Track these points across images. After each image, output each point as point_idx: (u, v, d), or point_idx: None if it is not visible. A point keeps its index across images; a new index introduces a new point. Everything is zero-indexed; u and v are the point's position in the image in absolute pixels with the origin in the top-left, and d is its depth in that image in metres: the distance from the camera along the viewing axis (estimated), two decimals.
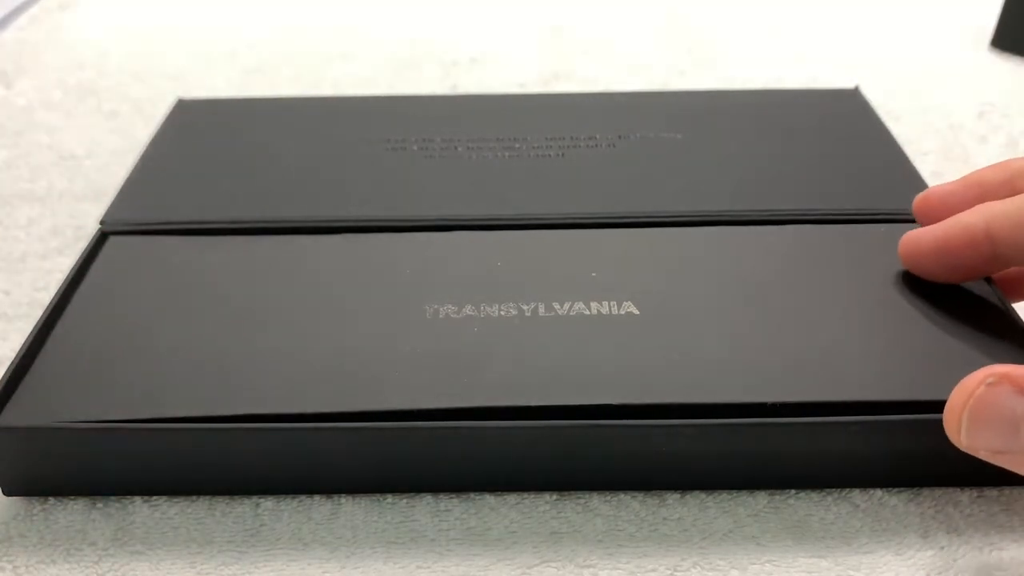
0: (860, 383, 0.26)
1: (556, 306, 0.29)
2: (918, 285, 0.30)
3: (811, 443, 0.26)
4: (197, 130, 0.40)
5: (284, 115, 0.41)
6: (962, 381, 0.23)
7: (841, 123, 0.40)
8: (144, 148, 0.39)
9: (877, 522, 0.27)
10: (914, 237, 0.30)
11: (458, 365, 0.27)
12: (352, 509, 0.27)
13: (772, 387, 0.26)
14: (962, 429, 0.23)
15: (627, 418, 0.25)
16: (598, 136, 0.39)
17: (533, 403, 0.26)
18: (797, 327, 0.28)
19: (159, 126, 0.40)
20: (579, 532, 0.26)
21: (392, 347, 0.28)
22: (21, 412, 0.26)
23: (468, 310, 0.29)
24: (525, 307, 0.29)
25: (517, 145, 0.38)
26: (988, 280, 0.30)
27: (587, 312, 0.29)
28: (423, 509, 0.27)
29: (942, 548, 0.26)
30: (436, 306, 0.29)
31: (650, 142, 0.38)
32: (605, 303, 0.29)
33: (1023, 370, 0.22)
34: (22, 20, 0.62)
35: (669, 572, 0.25)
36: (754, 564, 0.26)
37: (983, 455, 0.23)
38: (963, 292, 0.30)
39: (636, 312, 0.29)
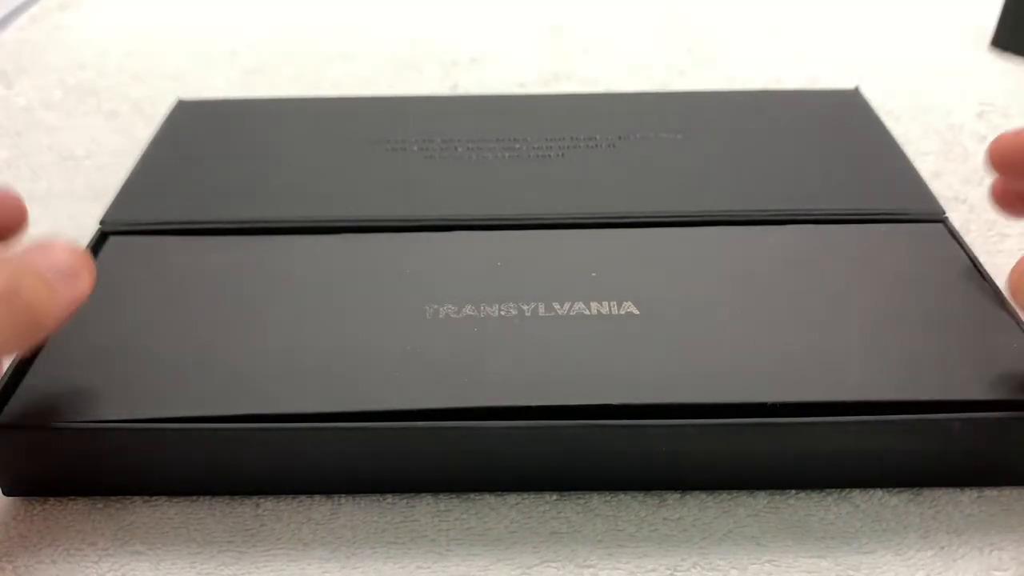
0: (860, 383, 0.26)
1: (556, 306, 0.29)
2: (918, 286, 0.30)
3: (811, 443, 0.26)
4: (197, 131, 0.40)
5: (284, 116, 0.41)
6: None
7: (841, 124, 0.40)
8: (144, 149, 0.39)
9: (877, 522, 0.27)
10: (1002, 140, 0.30)
11: (458, 365, 0.27)
12: (352, 509, 0.27)
13: (772, 387, 0.26)
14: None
15: (627, 418, 0.25)
16: (598, 137, 0.39)
17: (533, 403, 0.26)
18: (797, 327, 0.28)
19: (159, 127, 0.40)
20: (579, 532, 0.26)
21: (392, 347, 0.28)
22: (21, 412, 0.26)
23: (468, 310, 0.29)
24: (525, 307, 0.29)
25: (517, 146, 0.38)
26: (988, 280, 0.30)
27: (587, 312, 0.29)
28: (423, 509, 0.27)
29: (942, 548, 0.26)
30: (436, 306, 0.29)
31: (650, 142, 0.38)
32: (605, 303, 0.29)
33: None
34: (22, 20, 0.62)
35: (669, 572, 0.25)
36: (754, 564, 0.26)
37: None
38: (963, 292, 0.30)
39: (636, 312, 0.29)
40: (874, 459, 0.27)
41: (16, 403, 0.26)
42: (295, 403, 0.26)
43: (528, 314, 0.29)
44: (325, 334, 0.28)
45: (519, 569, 0.26)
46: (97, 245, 0.33)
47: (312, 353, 0.28)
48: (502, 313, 0.29)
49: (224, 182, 0.36)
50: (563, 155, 0.37)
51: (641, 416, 0.25)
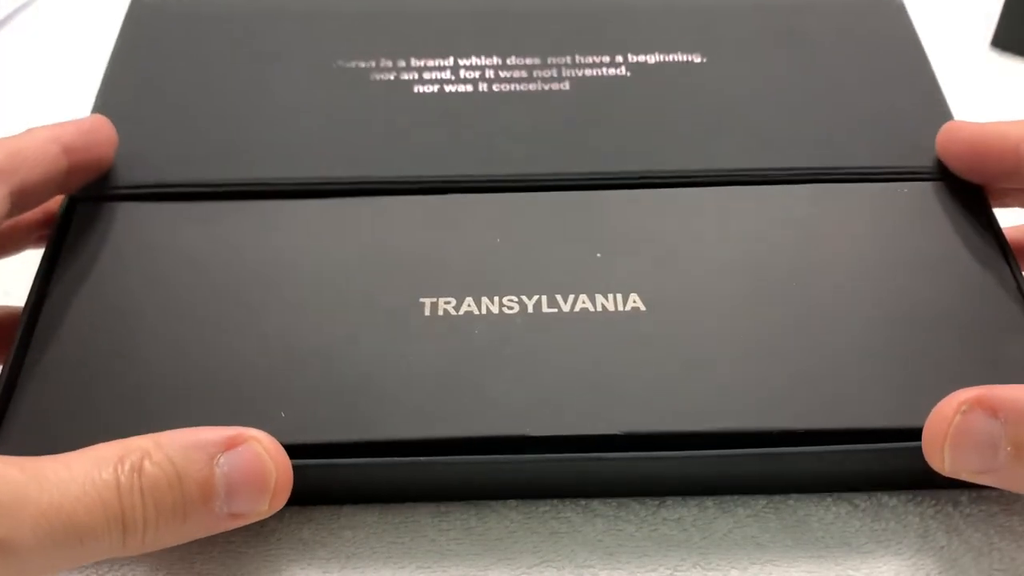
0: (873, 410, 0.26)
1: (559, 299, 0.28)
2: (941, 271, 0.29)
3: (814, 466, 0.26)
4: (156, 53, 0.35)
5: (258, 25, 0.37)
6: (935, 409, 0.24)
7: (877, 48, 0.37)
8: (102, 79, 0.34)
9: (877, 522, 0.27)
10: (953, 128, 0.31)
11: (459, 387, 0.26)
12: (353, 510, 0.27)
13: (778, 414, 0.25)
14: (945, 459, 0.23)
15: (630, 443, 0.25)
16: (607, 60, 0.35)
17: (537, 433, 0.25)
18: (804, 338, 0.27)
19: (115, 45, 0.36)
20: (579, 532, 0.26)
21: (389, 361, 0.26)
22: (14, 444, 0.25)
23: (468, 305, 0.27)
24: (528, 301, 0.28)
25: (518, 74, 0.35)
26: (1014, 265, 0.29)
27: (591, 308, 0.27)
28: (423, 510, 0.27)
29: (942, 548, 0.26)
30: (432, 300, 0.28)
31: (667, 69, 0.35)
32: (610, 296, 0.28)
33: (993, 391, 0.23)
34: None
35: (669, 572, 0.25)
36: (754, 564, 0.26)
37: (965, 477, 0.24)
38: (982, 287, 0.28)
39: (642, 308, 0.27)
40: (876, 475, 0.27)
41: (6, 436, 0.25)
42: (285, 435, 0.24)
43: (531, 310, 0.27)
44: (325, 345, 0.27)
45: (519, 569, 0.26)
46: (66, 214, 0.30)
47: (302, 369, 0.26)
48: (504, 310, 0.27)
49: (191, 134, 0.33)
50: (569, 87, 0.34)
51: (644, 441, 0.25)
